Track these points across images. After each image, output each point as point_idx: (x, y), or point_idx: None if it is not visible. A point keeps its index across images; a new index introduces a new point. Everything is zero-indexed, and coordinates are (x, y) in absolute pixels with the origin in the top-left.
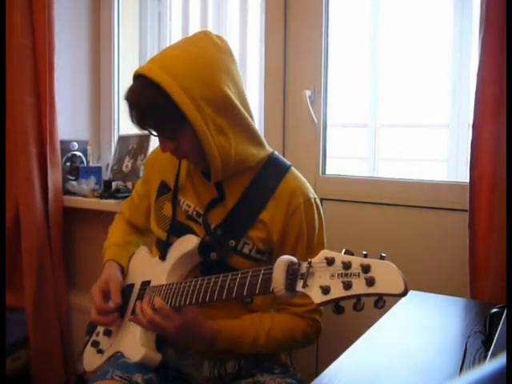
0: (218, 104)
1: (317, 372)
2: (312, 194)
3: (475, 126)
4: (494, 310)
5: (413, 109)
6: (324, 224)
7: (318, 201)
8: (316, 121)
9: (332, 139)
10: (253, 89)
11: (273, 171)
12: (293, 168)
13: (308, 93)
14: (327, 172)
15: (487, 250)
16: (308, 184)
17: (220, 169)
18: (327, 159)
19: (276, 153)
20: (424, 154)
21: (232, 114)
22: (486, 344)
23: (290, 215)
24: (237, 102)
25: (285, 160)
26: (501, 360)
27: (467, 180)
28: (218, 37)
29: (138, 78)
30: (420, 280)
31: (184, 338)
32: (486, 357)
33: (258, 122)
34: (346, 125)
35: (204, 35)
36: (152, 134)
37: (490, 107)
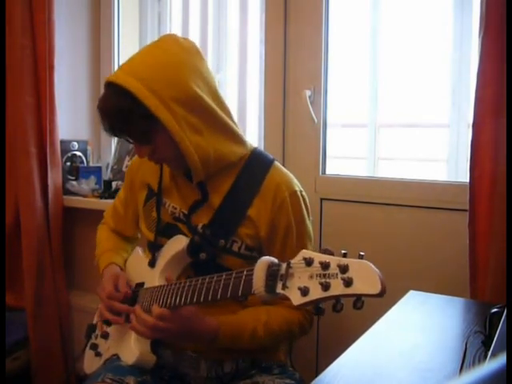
0: (189, 103)
1: (317, 372)
2: (297, 186)
3: (475, 126)
4: (494, 309)
5: (413, 109)
6: (310, 216)
7: (304, 193)
8: (316, 121)
9: (332, 139)
10: (253, 89)
11: (256, 167)
12: (276, 162)
13: (308, 93)
14: (327, 172)
15: (487, 249)
16: (293, 177)
17: (200, 168)
18: (327, 159)
19: (258, 149)
20: (424, 154)
21: (205, 113)
22: (486, 344)
23: (277, 209)
24: (208, 100)
25: (268, 155)
26: (501, 360)
27: (467, 180)
28: (185, 38)
29: (108, 86)
30: (420, 280)
31: (186, 337)
32: (486, 357)
33: (258, 122)
34: (346, 125)
35: (169, 37)
36: (129, 141)
37: (490, 107)
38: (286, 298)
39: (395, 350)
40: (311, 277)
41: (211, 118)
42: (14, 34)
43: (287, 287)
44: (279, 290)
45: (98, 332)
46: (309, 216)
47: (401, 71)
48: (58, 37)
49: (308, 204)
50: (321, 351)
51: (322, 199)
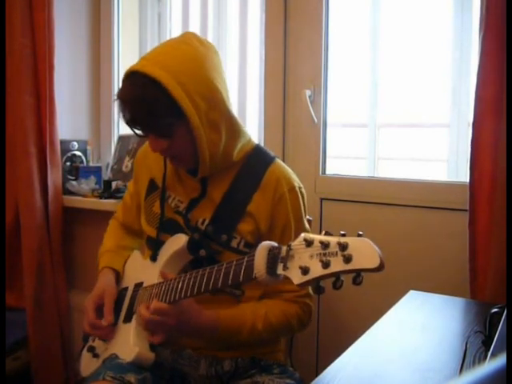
0: (211, 99)
1: (317, 372)
2: (297, 182)
3: (475, 126)
4: (494, 309)
5: (413, 109)
6: (306, 215)
7: (303, 190)
8: (316, 121)
9: (332, 139)
10: (253, 89)
11: (257, 163)
12: (277, 159)
13: (308, 93)
14: (327, 172)
15: (487, 250)
16: (293, 174)
17: (208, 165)
18: (327, 159)
19: (260, 146)
20: (424, 154)
21: (223, 109)
22: (486, 344)
23: (276, 203)
24: (226, 97)
25: (269, 151)
26: (501, 360)
27: (467, 180)
28: (204, 38)
29: (131, 76)
30: (420, 280)
31: (185, 330)
32: (486, 357)
33: (258, 121)
34: (346, 125)
35: (191, 34)
36: (139, 135)
37: (490, 107)
38: (287, 279)
39: (395, 350)
40: (311, 256)
41: (228, 115)
42: (14, 33)
43: (288, 268)
44: (280, 271)
45: None
46: (305, 214)
47: (401, 71)
48: (58, 37)
49: (306, 201)
50: (321, 351)
51: (322, 199)
